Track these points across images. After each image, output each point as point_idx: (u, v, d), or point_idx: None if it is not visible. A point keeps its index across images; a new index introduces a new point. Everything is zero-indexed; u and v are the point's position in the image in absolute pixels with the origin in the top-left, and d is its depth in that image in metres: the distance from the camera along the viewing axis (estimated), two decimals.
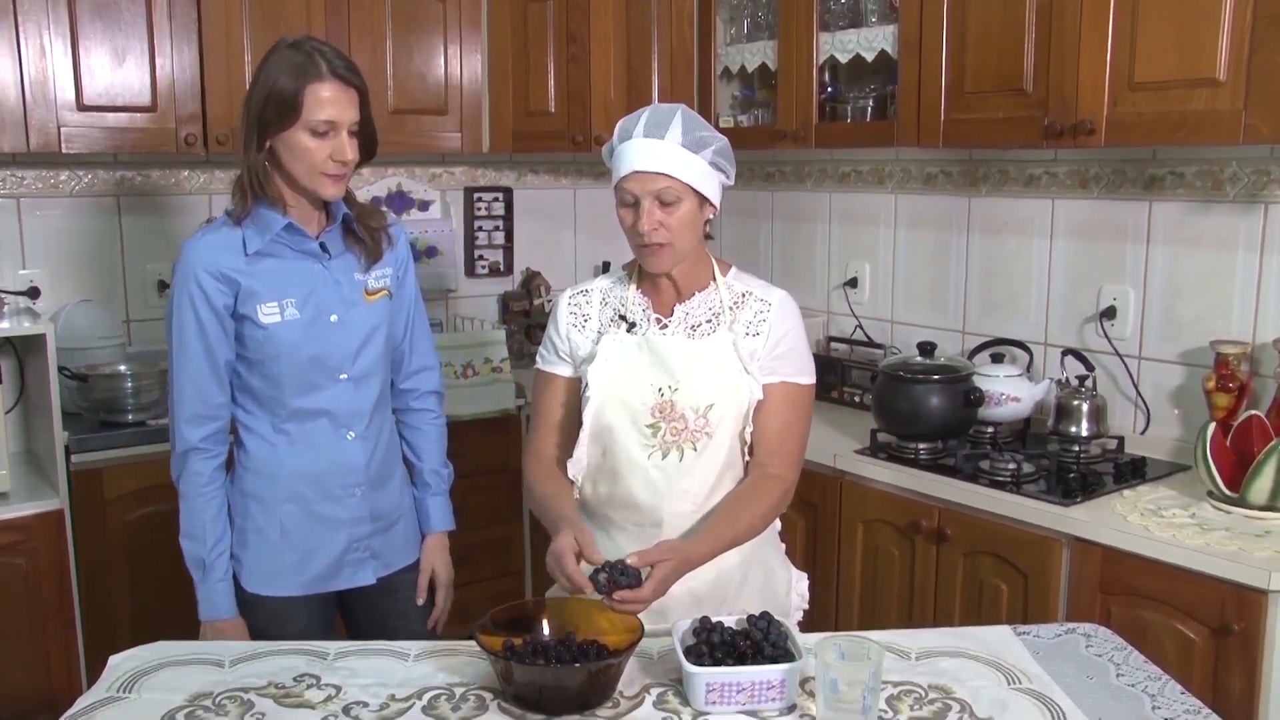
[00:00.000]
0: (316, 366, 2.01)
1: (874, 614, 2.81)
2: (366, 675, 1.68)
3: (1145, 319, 2.79)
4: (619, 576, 1.63)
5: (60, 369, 2.82)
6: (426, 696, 1.61)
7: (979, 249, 3.16)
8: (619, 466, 1.86)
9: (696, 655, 1.61)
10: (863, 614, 2.85)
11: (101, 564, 2.83)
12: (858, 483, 2.81)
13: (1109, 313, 2.83)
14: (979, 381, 2.83)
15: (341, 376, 2.04)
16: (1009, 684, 1.64)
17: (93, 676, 1.71)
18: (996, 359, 2.99)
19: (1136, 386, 2.81)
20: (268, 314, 1.96)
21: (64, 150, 2.86)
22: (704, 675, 1.55)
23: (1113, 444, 2.77)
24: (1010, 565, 2.46)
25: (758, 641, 1.62)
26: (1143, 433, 2.80)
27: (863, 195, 3.48)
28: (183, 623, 2.05)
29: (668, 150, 1.73)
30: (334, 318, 2.02)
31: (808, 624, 2.01)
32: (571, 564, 1.67)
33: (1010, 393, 2.85)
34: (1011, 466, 2.59)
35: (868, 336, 3.49)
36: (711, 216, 1.83)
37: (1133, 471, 2.61)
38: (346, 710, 1.57)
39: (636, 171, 1.74)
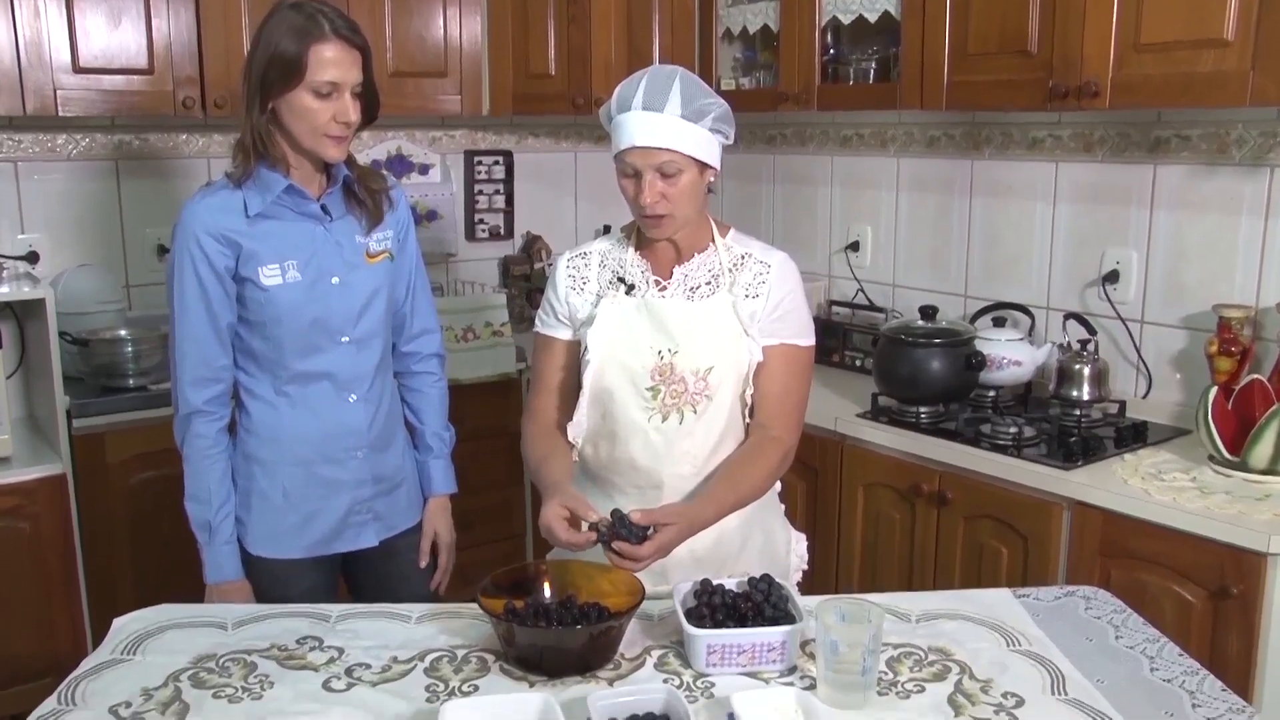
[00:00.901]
0: (318, 329, 2.00)
1: (874, 577, 2.81)
2: (369, 637, 1.68)
3: (1148, 283, 2.77)
4: (620, 528, 1.63)
5: (60, 334, 2.81)
6: (429, 658, 1.62)
7: (981, 212, 3.14)
8: (619, 429, 1.85)
9: (697, 617, 1.61)
10: (863, 577, 2.85)
11: (105, 528, 2.83)
12: (858, 446, 2.80)
13: (1112, 277, 2.82)
14: (980, 345, 2.82)
15: (343, 339, 2.03)
16: (1009, 646, 1.64)
17: (97, 639, 1.72)
18: (998, 323, 2.98)
19: (1139, 350, 2.80)
20: (269, 276, 1.95)
21: (60, 113, 2.83)
22: (705, 637, 1.55)
23: (1114, 408, 2.77)
24: (1010, 528, 2.46)
25: (758, 604, 1.62)
26: (1144, 397, 2.80)
27: (865, 158, 3.45)
28: (186, 585, 2.06)
29: (667, 124, 1.70)
30: (335, 280, 2.01)
31: (808, 587, 2.02)
32: (564, 531, 1.67)
33: (1012, 356, 2.85)
34: (1013, 430, 2.59)
35: (869, 300, 3.47)
36: (713, 179, 1.82)
37: (1134, 435, 2.60)
38: (349, 672, 1.58)
39: (637, 146, 1.72)
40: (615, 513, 1.66)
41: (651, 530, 1.65)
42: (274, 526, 2.07)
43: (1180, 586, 2.16)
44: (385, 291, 2.09)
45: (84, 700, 1.50)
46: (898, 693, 1.52)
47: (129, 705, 1.49)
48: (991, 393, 2.90)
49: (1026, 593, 1.83)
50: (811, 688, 1.52)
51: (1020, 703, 1.49)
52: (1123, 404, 2.78)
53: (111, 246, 3.25)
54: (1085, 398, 2.73)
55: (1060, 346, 2.83)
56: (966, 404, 2.85)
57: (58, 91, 2.81)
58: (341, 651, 1.64)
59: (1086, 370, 2.73)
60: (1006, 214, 3.08)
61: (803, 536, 2.07)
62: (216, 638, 1.69)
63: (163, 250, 3.24)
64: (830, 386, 3.12)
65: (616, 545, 1.62)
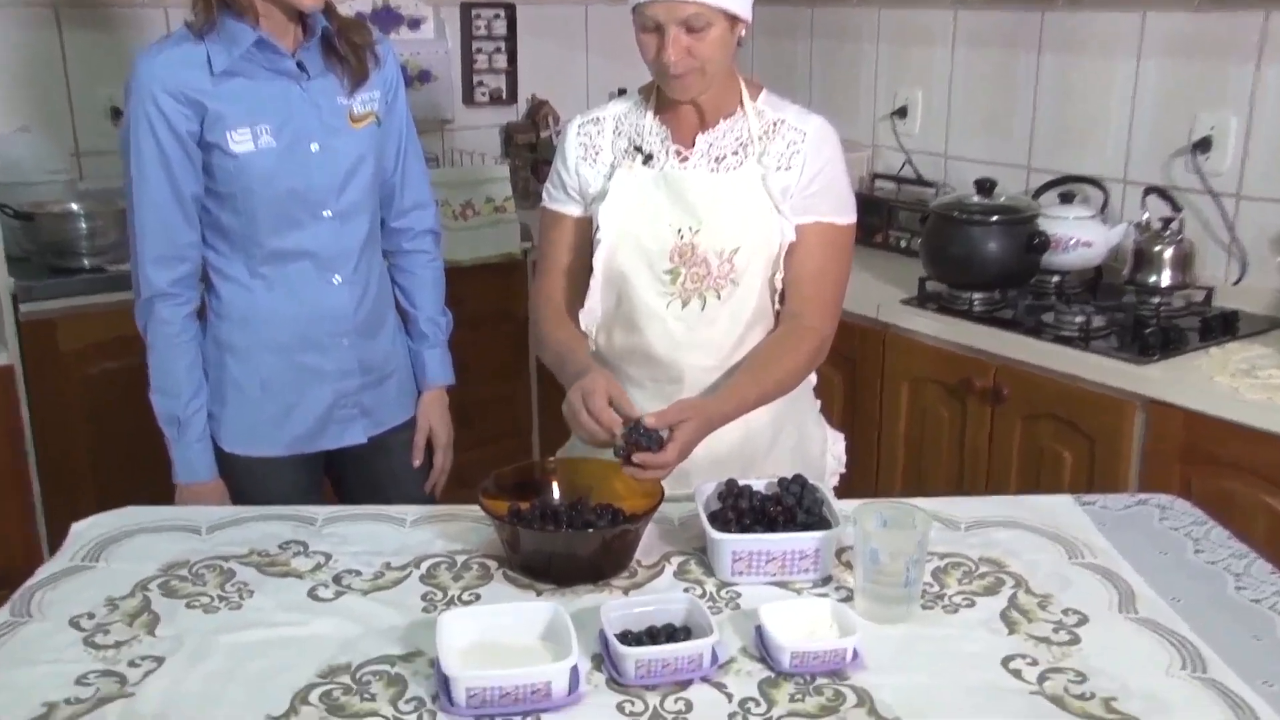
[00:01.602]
0: (296, 201, 2.00)
1: (919, 481, 2.84)
2: (358, 542, 1.72)
3: (1248, 152, 2.73)
4: (639, 438, 1.63)
5: (0, 206, 2.82)
6: (425, 565, 1.65)
7: (1051, 71, 3.09)
8: (635, 316, 1.87)
9: (722, 521, 1.63)
10: (907, 481, 2.87)
11: (59, 423, 2.85)
12: (903, 336, 2.81)
13: (1203, 145, 2.77)
14: (1044, 224, 2.80)
15: (324, 213, 2.03)
16: (1070, 558, 1.65)
17: (54, 546, 1.73)
18: (1066, 198, 2.96)
19: (1231, 230, 2.77)
20: (239, 141, 1.94)
21: None
22: (730, 543, 1.57)
23: (1200, 295, 2.75)
24: (1075, 429, 2.47)
25: (789, 507, 1.64)
26: (1236, 283, 2.77)
27: (916, 10, 3.40)
28: (153, 487, 2.07)
29: None
30: (314, 146, 2.00)
31: (845, 491, 2.04)
32: (602, 401, 1.67)
33: (1081, 236, 2.83)
34: (1079, 319, 2.58)
35: (918, 173, 3.45)
36: (744, 33, 1.79)
37: (1223, 327, 2.58)
38: (337, 579, 1.61)
39: None
40: (630, 423, 1.66)
41: (668, 433, 1.66)
42: (250, 421, 2.10)
43: (1273, 498, 2.16)
44: (371, 160, 2.08)
45: (41, 611, 1.52)
46: (944, 606, 1.53)
47: (92, 617, 1.51)
48: (1056, 278, 2.88)
49: (1092, 500, 1.84)
50: (848, 600, 1.54)
51: (1083, 620, 1.50)
52: (1210, 291, 2.75)
53: (55, 108, 3.20)
54: (1166, 284, 2.70)
55: (1137, 225, 2.79)
56: (1027, 290, 2.84)
57: None
58: (329, 557, 1.67)
59: (1168, 252, 2.70)
60: (1081, 72, 3.03)
61: (840, 436, 2.10)
62: (189, 543, 1.71)
63: (116, 113, 3.20)
64: (872, 270, 3.12)
65: (638, 457, 1.63)
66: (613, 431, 1.65)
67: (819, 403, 2.09)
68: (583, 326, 1.90)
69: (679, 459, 1.67)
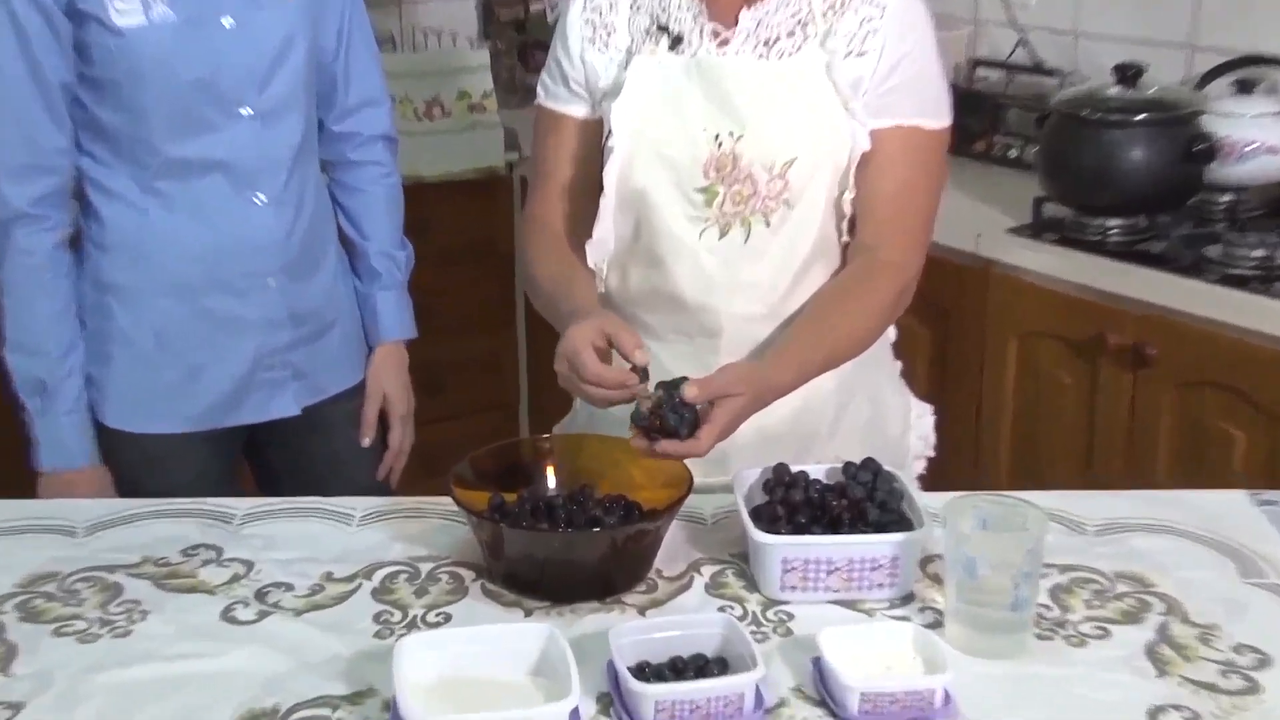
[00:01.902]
0: (203, 95, 1.99)
1: (1032, 468, 2.84)
2: (291, 546, 1.73)
3: None
4: (669, 412, 1.63)
5: None
6: (378, 575, 1.66)
7: None
8: (658, 249, 1.88)
9: (770, 520, 1.64)
10: (1016, 469, 2.87)
11: None
12: (1012, 276, 2.82)
13: None
14: (1211, 124, 2.78)
15: (242, 111, 2.03)
16: (1243, 576, 1.64)
17: None
18: (1243, 88, 2.91)
19: None
20: (124, 11, 1.93)
21: None
22: (780, 548, 1.58)
23: None
24: (1248, 402, 2.47)
25: (858, 501, 1.65)
26: None
27: None
28: (7, 475, 2.05)
29: None
30: (228, 21, 1.99)
31: (933, 481, 2.05)
32: (594, 363, 1.67)
33: (1262, 140, 2.79)
34: (1258, 254, 2.57)
35: (1035, 58, 3.42)
36: None
37: None
38: (262, 595, 1.62)
39: None
40: (664, 388, 1.66)
41: (703, 406, 1.66)
42: (142, 387, 2.10)
43: None
44: (304, 40, 2.08)
45: None
46: (1067, 637, 1.52)
47: None
48: (1226, 198, 2.87)
49: (1274, 498, 1.83)
50: (936, 625, 1.53)
51: (1263, 662, 1.48)
52: None
53: None
54: None
55: None
56: (1184, 214, 2.83)
57: None
58: (250, 567, 1.67)
59: None
60: None
61: (927, 408, 2.11)
62: (59, 549, 1.71)
63: None
64: (971, 189, 3.12)
65: (662, 446, 1.63)
66: (626, 386, 1.66)
67: (900, 365, 2.09)
68: (589, 263, 1.91)
69: (712, 446, 1.67)
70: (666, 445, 1.63)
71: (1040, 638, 1.53)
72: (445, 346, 2.95)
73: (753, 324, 1.89)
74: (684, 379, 1.65)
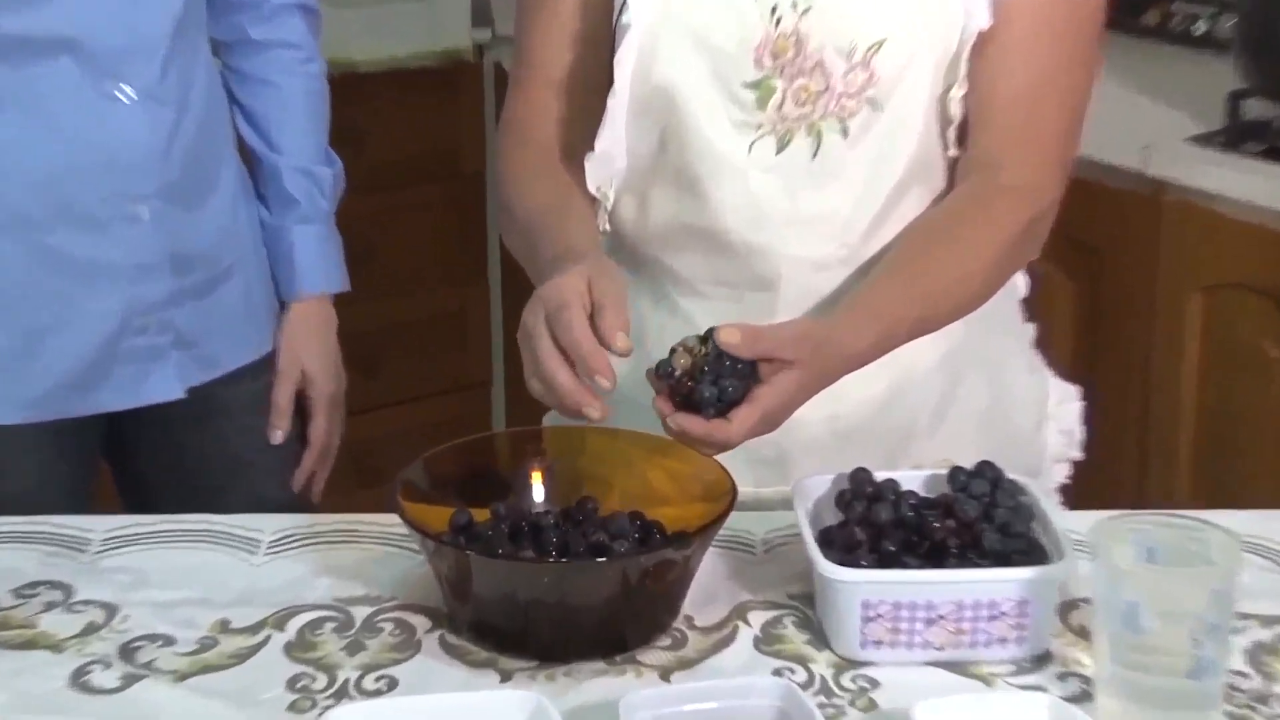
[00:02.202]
0: None
1: (1221, 476, 2.85)
2: (170, 583, 1.72)
3: None
4: (706, 382, 1.61)
5: None
6: (295, 624, 1.64)
7: None
8: (691, 168, 1.87)
9: (846, 548, 1.62)
10: (1197, 476, 2.89)
11: None
12: (1195, 204, 2.84)
13: None
14: None
15: None
16: None
17: None
18: None
19: None
20: None
21: None
22: (860, 588, 1.56)
23: None
24: None
25: (970, 521, 1.62)
26: None
27: None
28: None
29: None
30: None
31: (1080, 491, 2.05)
32: (583, 330, 1.61)
33: None
34: None
35: None
36: None
37: None
38: (129, 653, 1.59)
39: None
40: (705, 340, 1.64)
41: (742, 366, 1.64)
42: None
43: None
44: None
45: None
46: (1271, 718, 1.50)
47: None
48: None
49: None
50: (1083, 698, 1.51)
51: None
52: None
53: None
54: None
55: None
56: None
57: None
58: (112, 612, 1.66)
59: None
60: None
61: (1073, 392, 2.11)
62: None
63: None
64: (1138, 80, 3.13)
65: (677, 421, 1.61)
66: (605, 381, 1.60)
67: (1033, 330, 2.10)
68: (590, 188, 1.90)
69: (753, 434, 1.65)
70: (683, 421, 1.61)
71: (1235, 715, 1.49)
72: (389, 304, 3.02)
73: (823, 272, 1.88)
74: (717, 329, 1.64)
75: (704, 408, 1.61)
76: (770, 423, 1.66)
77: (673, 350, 1.64)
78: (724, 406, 1.62)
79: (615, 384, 1.60)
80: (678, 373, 1.62)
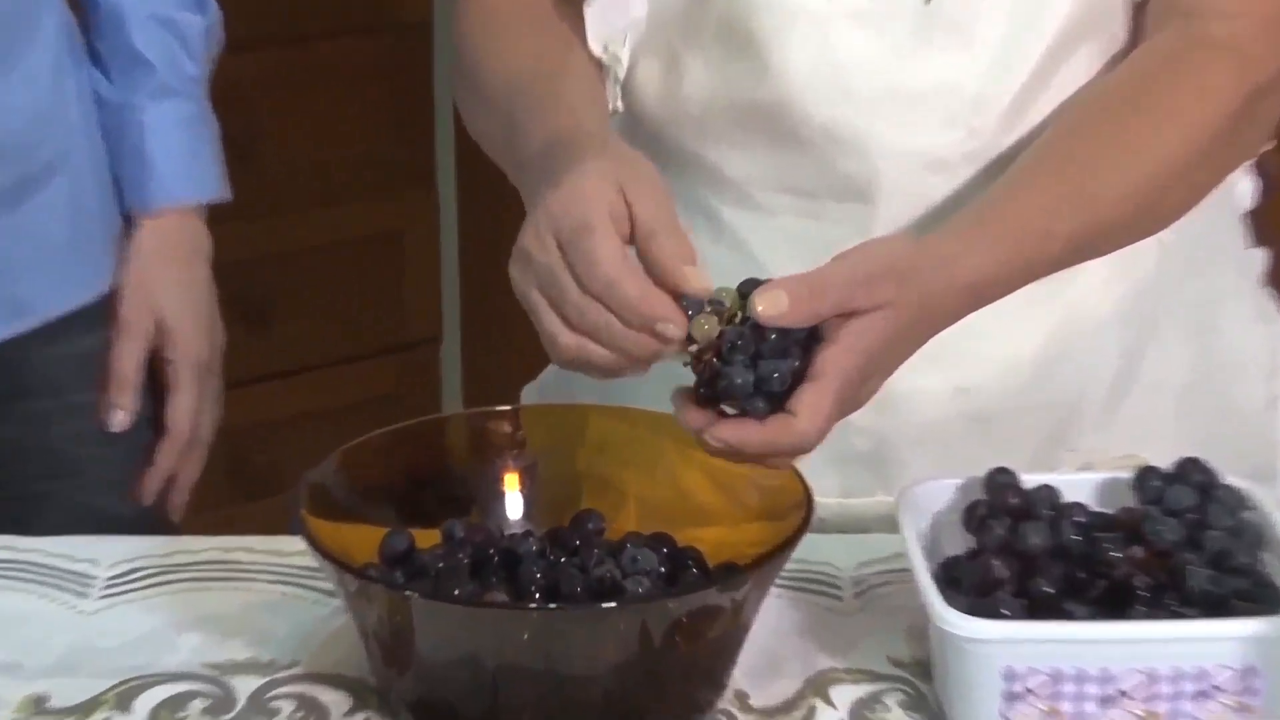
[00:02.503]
0: None
1: None
2: None
3: None
4: (729, 359, 1.49)
5: None
6: (145, 703, 1.53)
7: None
8: (745, 16, 1.77)
9: (978, 587, 1.49)
10: None
11: None
12: None
13: None
14: None
15: None
16: None
17: None
18: None
19: None
20: None
21: None
22: (1002, 649, 1.45)
23: None
24: None
25: (1169, 551, 1.51)
26: None
27: None
28: None
29: None
30: None
31: None
32: (614, 257, 1.49)
33: None
34: None
35: None
36: None
37: None
38: None
39: None
40: (745, 293, 1.49)
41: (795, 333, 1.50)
42: None
43: None
44: None
45: None
46: None
47: None
48: None
49: None
50: None
51: None
52: None
53: None
54: None
55: None
56: None
57: None
58: None
59: None
60: None
61: None
62: None
63: None
64: None
65: (719, 435, 1.50)
66: (655, 328, 1.49)
67: (1261, 260, 1.99)
68: (593, 44, 1.80)
69: (831, 422, 1.50)
70: (726, 432, 1.49)
71: None
72: (289, 223, 2.94)
73: (941, 173, 1.76)
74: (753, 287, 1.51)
75: (740, 402, 1.50)
76: (851, 398, 1.52)
77: (692, 307, 1.52)
78: (774, 396, 1.51)
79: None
80: (698, 346, 1.51)
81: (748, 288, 1.53)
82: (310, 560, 1.53)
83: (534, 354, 1.85)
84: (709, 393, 1.52)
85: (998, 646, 1.48)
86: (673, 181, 1.78)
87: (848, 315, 1.54)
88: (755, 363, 1.51)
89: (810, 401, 1.50)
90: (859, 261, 1.58)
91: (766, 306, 1.51)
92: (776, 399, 1.51)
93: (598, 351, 1.56)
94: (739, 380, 1.50)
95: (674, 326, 1.51)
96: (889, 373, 1.59)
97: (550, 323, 1.57)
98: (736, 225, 1.82)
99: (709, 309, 1.53)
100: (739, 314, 1.53)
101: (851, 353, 1.54)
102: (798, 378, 1.52)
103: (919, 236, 1.68)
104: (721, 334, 1.52)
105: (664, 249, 1.55)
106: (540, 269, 1.58)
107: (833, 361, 1.52)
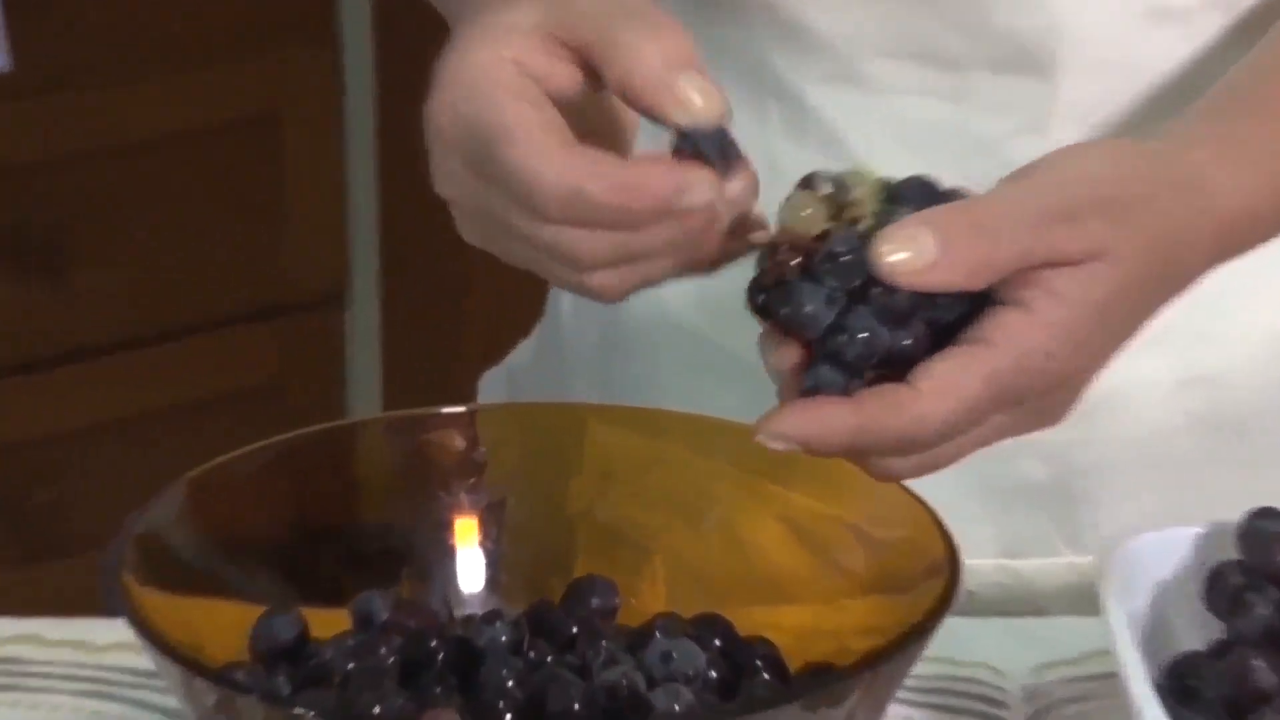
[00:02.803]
0: None
1: None
2: None
3: None
4: (807, 291, 1.20)
5: None
6: None
7: None
8: None
9: (1235, 701, 1.32)
10: None
11: None
12: None
13: None
14: None
15: None
16: None
17: None
18: None
19: None
20: None
21: None
22: None
23: None
24: None
25: None
26: None
27: None
28: None
29: None
30: None
31: None
32: (543, 165, 1.18)
33: None
34: None
35: None
36: None
37: None
38: None
39: None
40: (840, 187, 1.20)
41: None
42: None
43: None
44: None
45: None
46: None
47: None
48: None
49: None
50: None
51: None
52: None
53: None
54: None
55: None
56: None
57: None
58: None
59: None
60: None
61: None
62: None
63: None
64: None
65: (805, 416, 1.26)
66: (676, 203, 1.19)
67: None
68: None
69: (973, 418, 1.18)
70: (790, 416, 1.16)
71: None
72: (104, 102, 2.70)
73: (1155, 31, 1.51)
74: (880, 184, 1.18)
75: (841, 371, 1.14)
76: (1028, 396, 1.17)
77: (785, 206, 1.15)
78: (907, 355, 1.13)
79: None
80: (783, 238, 1.15)
81: (907, 189, 1.17)
82: (138, 658, 1.29)
83: (498, 318, 1.67)
84: (767, 310, 1.16)
85: None
86: (724, 41, 1.58)
87: (1035, 270, 1.18)
88: (859, 302, 1.16)
89: (947, 375, 1.15)
90: (1051, 185, 1.24)
91: (899, 255, 1.15)
92: (891, 366, 1.17)
93: (654, 271, 1.19)
94: (808, 308, 1.17)
95: (697, 188, 1.14)
96: (1101, 363, 1.25)
97: (563, 274, 1.24)
98: (831, 113, 1.52)
99: (829, 188, 1.18)
100: (871, 217, 1.17)
101: (1041, 326, 1.18)
102: (918, 356, 1.16)
103: (1142, 141, 1.33)
104: (826, 233, 1.17)
105: (641, 57, 1.17)
106: (485, 218, 1.25)
107: (1007, 329, 1.16)
